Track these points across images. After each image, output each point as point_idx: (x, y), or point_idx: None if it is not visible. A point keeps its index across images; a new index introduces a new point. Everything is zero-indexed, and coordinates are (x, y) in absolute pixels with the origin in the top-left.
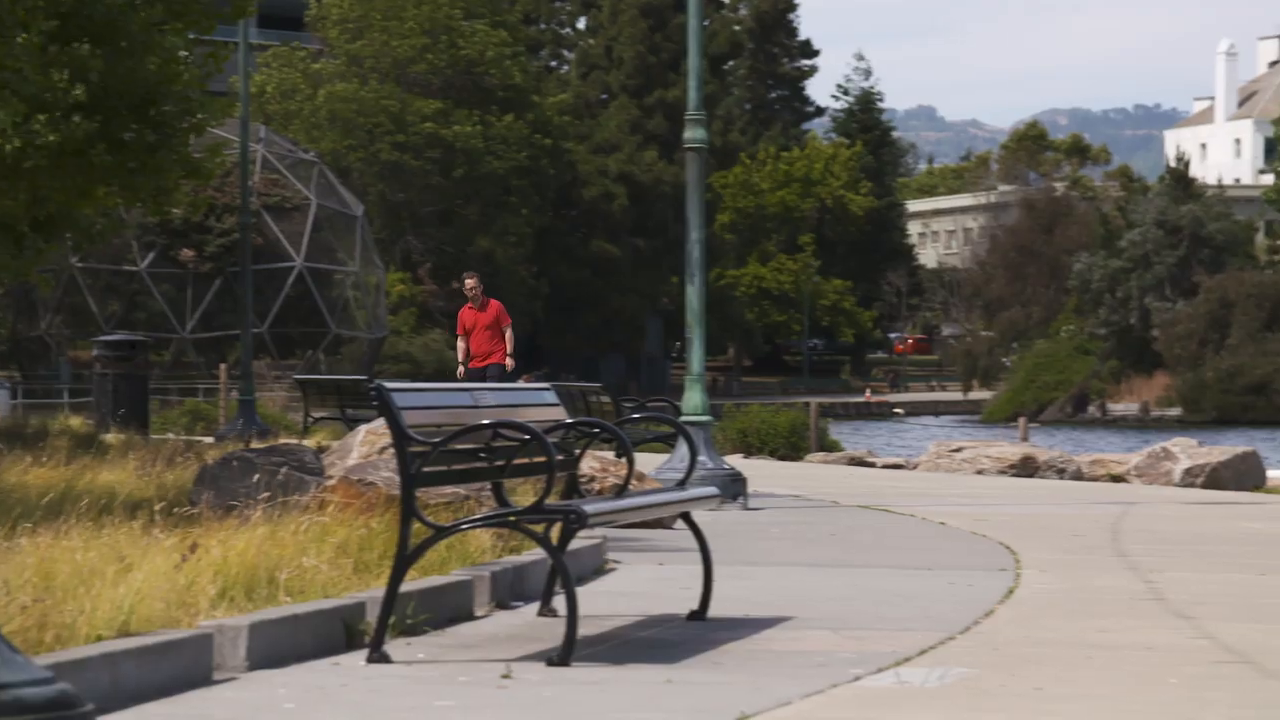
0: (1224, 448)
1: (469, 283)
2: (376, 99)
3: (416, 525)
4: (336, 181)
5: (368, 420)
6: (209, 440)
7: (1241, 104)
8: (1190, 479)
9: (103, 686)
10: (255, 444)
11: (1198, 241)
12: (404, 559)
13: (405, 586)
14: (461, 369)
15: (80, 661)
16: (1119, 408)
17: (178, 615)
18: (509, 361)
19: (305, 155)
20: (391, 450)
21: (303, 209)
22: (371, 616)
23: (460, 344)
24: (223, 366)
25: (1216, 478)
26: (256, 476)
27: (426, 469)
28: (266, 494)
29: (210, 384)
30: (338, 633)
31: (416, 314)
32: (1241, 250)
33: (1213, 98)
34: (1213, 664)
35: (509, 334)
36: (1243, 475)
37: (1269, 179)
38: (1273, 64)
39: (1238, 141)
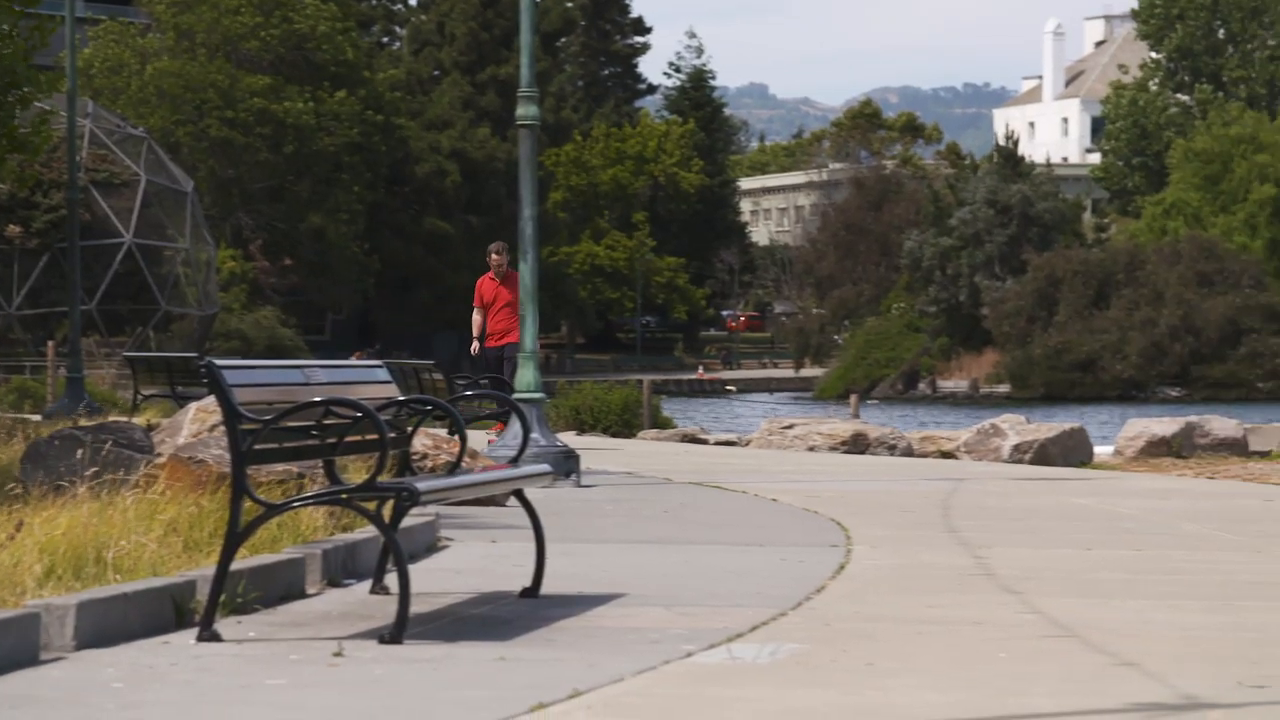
0: (1052, 424)
1: (495, 256)
2: (205, 74)
3: (248, 503)
4: (166, 157)
5: (198, 398)
6: (37, 418)
7: (1069, 83)
8: (1019, 455)
9: None
10: (84, 422)
11: (1027, 220)
12: (235, 537)
13: (236, 564)
14: (476, 344)
15: None
16: (949, 384)
17: (3, 595)
18: None
19: (134, 131)
20: (222, 428)
21: (132, 185)
22: (202, 595)
23: (476, 317)
24: (50, 344)
25: (1045, 454)
26: (84, 454)
27: (258, 446)
28: (94, 469)
29: (38, 361)
30: (167, 611)
31: (248, 291)
32: (1069, 228)
33: (1040, 77)
34: (1041, 638)
35: None
36: (1070, 451)
37: (1096, 158)
38: (1099, 44)
39: (1065, 120)
